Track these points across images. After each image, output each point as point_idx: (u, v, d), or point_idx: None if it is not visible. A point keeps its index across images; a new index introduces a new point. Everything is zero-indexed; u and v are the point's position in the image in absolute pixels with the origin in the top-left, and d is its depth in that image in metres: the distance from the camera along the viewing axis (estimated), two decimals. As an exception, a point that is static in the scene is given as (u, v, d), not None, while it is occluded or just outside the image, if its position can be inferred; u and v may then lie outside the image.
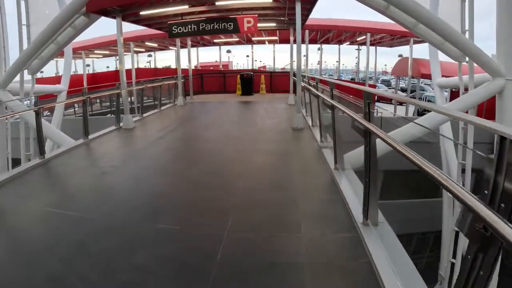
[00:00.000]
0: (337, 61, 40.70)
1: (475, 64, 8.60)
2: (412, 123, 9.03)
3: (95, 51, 29.40)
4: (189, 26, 11.48)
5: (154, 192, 5.35)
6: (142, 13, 11.31)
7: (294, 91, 15.57)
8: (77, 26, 10.80)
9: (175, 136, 9.71)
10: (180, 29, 11.60)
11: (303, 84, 10.26)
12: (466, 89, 9.26)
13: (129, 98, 19.31)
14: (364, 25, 23.24)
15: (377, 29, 22.39)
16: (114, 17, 10.62)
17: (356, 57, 31.45)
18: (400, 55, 47.68)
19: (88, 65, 42.77)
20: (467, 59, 8.89)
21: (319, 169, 6.09)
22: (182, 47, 18.36)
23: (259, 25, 12.40)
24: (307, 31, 20.01)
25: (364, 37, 24.31)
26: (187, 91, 18.70)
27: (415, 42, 22.04)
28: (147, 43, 27.26)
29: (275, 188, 5.22)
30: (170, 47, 30.40)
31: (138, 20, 12.80)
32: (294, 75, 15.71)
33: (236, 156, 7.19)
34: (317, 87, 7.83)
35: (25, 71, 11.74)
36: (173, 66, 29.69)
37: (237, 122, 11.65)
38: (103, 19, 10.74)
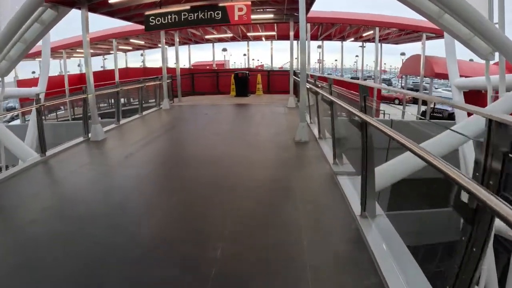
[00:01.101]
0: (336, 60, 38.73)
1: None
2: (449, 131, 7.46)
3: (78, 50, 27.32)
4: (169, 17, 9.63)
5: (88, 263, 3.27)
6: (111, 1, 9.35)
7: (295, 93, 13.90)
8: (45, 21, 9.47)
9: (148, 153, 7.80)
10: (158, 21, 9.76)
11: (308, 85, 8.31)
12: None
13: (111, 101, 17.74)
14: (372, 18, 21.13)
15: (387, 22, 20.31)
16: (79, 8, 8.83)
17: (357, 56, 29.60)
18: (402, 53, 45.93)
19: (79, 65, 41.16)
20: (496, 57, 7.75)
21: (339, 220, 4.05)
22: (171, 44, 16.53)
23: (254, 17, 10.80)
24: (308, 25, 17.90)
25: (370, 32, 22.26)
26: (176, 93, 16.99)
27: (428, 38, 20.02)
28: (132, 41, 25.19)
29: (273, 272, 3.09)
30: (159, 45, 28.46)
31: (111, 12, 10.77)
32: (295, 74, 14.01)
33: (217, 200, 4.79)
34: (330, 90, 5.91)
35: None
36: (170, 65, 28.16)
37: (227, 133, 9.60)
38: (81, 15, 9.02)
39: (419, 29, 19.49)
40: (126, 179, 6.08)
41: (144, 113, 13.40)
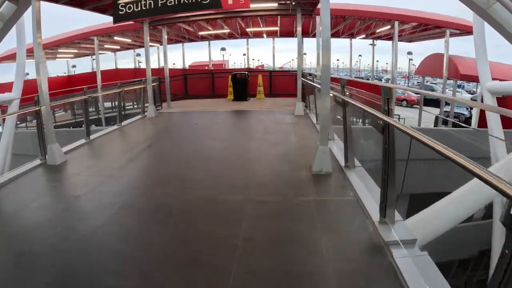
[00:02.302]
0: (337, 59, 36.32)
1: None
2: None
3: (59, 50, 25.16)
4: (143, 3, 7.43)
5: None
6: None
7: (303, 98, 11.83)
8: (5, 15, 7.84)
9: (107, 192, 5.43)
10: (130, 8, 7.57)
11: (332, 93, 5.83)
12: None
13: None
14: (390, 11, 18.65)
15: (407, 16, 17.79)
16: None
17: (360, 55, 27.35)
18: (409, 52, 43.90)
19: (74, 66, 39.04)
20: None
21: None
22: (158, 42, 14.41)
23: (254, 5, 9.25)
24: (317, 19, 15.43)
25: (385, 28, 19.99)
26: (164, 97, 14.72)
27: (452, 35, 17.70)
28: (117, 38, 22.89)
29: None
30: (152, 44, 26.11)
31: (79, 3, 8.75)
32: (303, 76, 11.87)
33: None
34: (388, 111, 3.47)
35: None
36: (171, 66, 26.15)
37: (217, 155, 7.19)
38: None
39: (442, 24, 17.21)
40: (73, 234, 3.98)
41: (124, 123, 11.30)
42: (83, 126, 11.64)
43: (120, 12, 7.70)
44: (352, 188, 4.80)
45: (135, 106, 14.05)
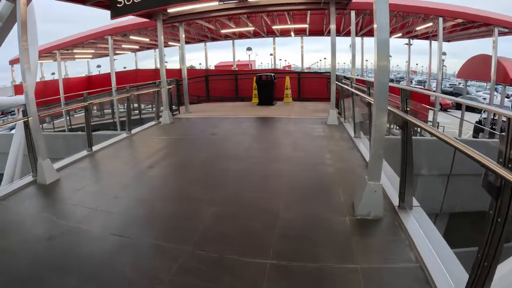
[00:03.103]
0: (367, 60, 34.31)
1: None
2: None
3: (75, 50, 24.48)
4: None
5: None
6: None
7: (337, 104, 10.44)
8: (3, 15, 8.20)
9: (87, 233, 4.20)
10: (129, 0, 6.32)
11: (392, 110, 4.10)
12: None
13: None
14: (435, 6, 16.31)
15: (453, 12, 15.78)
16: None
17: (390, 56, 25.64)
18: (444, 53, 41.69)
19: (99, 66, 38.60)
20: None
21: None
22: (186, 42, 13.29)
23: None
24: (352, 14, 13.74)
25: (426, 25, 18.14)
26: (183, 100, 13.58)
27: (501, 34, 15.83)
28: (133, 37, 21.83)
29: None
30: (170, 43, 24.95)
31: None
32: (338, 79, 10.38)
33: None
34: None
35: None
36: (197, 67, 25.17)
37: (229, 192, 5.32)
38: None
39: (492, 21, 15.33)
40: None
41: (135, 130, 10.20)
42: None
43: (118, 6, 6.51)
44: (412, 246, 3.38)
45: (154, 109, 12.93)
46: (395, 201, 4.24)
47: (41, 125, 19.84)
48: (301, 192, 5.05)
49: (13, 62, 25.43)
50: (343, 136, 8.34)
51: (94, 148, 8.11)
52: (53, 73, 31.38)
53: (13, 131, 14.55)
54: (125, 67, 34.26)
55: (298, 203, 4.66)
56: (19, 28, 5.77)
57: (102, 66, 38.26)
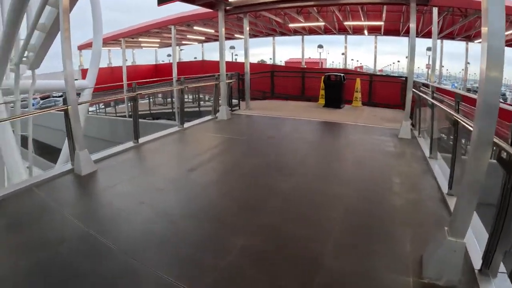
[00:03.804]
0: (398, 61, 32.09)
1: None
2: None
3: (140, 39, 24.71)
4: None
5: None
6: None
7: (411, 114, 9.18)
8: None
9: (111, 239, 3.76)
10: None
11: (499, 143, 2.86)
12: None
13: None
14: None
15: None
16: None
17: (469, 63, 23.46)
18: None
19: (169, 55, 39.11)
20: None
21: None
22: (252, 35, 12.70)
23: None
24: (434, 12, 12.14)
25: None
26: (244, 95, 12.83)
27: None
28: (197, 28, 21.45)
29: None
30: (237, 36, 24.35)
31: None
32: (415, 86, 9.15)
33: None
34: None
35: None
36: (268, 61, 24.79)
37: (270, 218, 4.28)
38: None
39: None
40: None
41: (189, 124, 9.79)
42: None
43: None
44: None
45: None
46: (476, 262, 3.12)
47: (105, 109, 20.57)
48: (356, 231, 3.98)
49: (81, 47, 26.35)
50: (416, 155, 7.07)
51: (141, 140, 7.78)
52: (169, 55, 32.39)
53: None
54: (195, 58, 34.40)
55: (351, 248, 3.60)
56: (61, 18, 5.60)
57: (172, 55, 38.84)
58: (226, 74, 11.09)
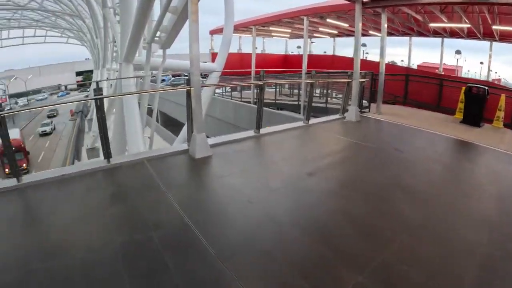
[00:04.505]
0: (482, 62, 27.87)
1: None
2: None
3: (271, 28, 24.70)
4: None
5: None
6: None
7: None
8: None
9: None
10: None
11: None
12: None
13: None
14: None
15: None
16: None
17: None
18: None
19: (299, 47, 39.15)
20: None
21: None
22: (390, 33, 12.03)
23: None
24: None
25: None
26: (376, 98, 11.91)
27: None
28: (330, 21, 20.67)
29: None
30: (371, 32, 23.17)
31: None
32: None
33: None
34: None
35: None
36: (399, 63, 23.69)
37: (397, 248, 3.66)
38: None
39: None
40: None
41: (313, 121, 9.44)
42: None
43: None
44: None
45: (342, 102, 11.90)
46: None
47: (231, 93, 21.32)
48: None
49: (213, 32, 27.32)
50: None
51: (262, 130, 7.71)
52: (299, 47, 32.97)
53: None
54: (325, 52, 33.83)
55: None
56: (189, 1, 5.88)
57: (302, 47, 38.63)
58: (360, 73, 10.51)
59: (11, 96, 72.40)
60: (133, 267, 3.16)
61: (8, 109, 7.88)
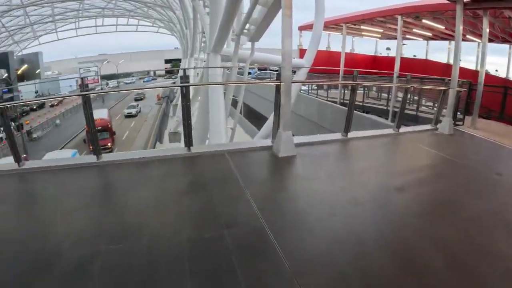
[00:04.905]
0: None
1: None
2: None
3: (362, 27, 23.69)
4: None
5: None
6: None
7: None
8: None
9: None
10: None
11: None
12: None
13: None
14: None
15: None
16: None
17: None
18: None
19: (388, 49, 37.73)
20: None
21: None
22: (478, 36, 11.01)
23: None
24: None
25: None
26: (471, 110, 10.81)
27: None
28: (426, 21, 19.17)
29: None
30: (471, 37, 21.00)
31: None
32: None
33: None
34: None
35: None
36: (492, 73, 21.65)
37: None
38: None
39: None
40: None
41: (404, 130, 8.64)
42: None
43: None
44: None
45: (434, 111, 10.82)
46: None
47: (317, 91, 20.91)
48: None
49: (302, 28, 26.99)
50: None
51: (350, 134, 7.19)
52: (388, 48, 32.07)
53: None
54: (415, 55, 32.05)
55: None
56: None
57: (391, 49, 37.15)
58: (457, 81, 9.66)
59: (103, 77, 78.00)
60: (198, 263, 3.01)
61: (99, 89, 8.31)
